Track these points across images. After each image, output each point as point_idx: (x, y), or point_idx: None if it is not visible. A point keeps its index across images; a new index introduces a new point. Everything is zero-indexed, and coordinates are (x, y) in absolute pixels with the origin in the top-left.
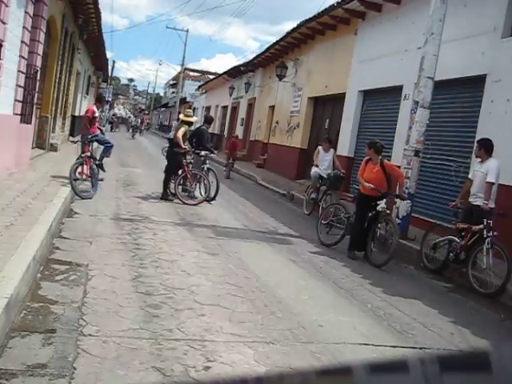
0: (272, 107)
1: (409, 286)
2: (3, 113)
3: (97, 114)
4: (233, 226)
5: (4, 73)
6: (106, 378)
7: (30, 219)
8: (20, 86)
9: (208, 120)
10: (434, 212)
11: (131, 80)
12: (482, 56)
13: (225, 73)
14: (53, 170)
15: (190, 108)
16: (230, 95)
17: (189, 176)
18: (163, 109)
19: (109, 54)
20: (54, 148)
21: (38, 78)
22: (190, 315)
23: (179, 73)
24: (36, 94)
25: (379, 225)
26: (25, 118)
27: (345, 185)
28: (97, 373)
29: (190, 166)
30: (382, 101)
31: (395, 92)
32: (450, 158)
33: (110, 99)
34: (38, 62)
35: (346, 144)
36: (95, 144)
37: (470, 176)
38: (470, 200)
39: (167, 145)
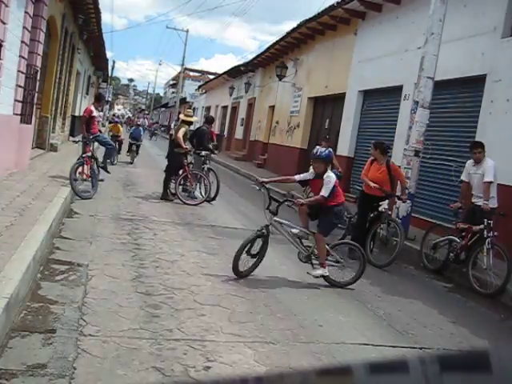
0: (272, 107)
1: (409, 286)
2: (3, 113)
3: (95, 114)
4: (233, 225)
5: (4, 73)
6: (105, 378)
7: (30, 219)
8: (20, 86)
9: (209, 120)
10: (434, 212)
11: (131, 80)
12: (481, 56)
13: (225, 73)
14: (53, 170)
15: (190, 108)
16: (230, 95)
17: (189, 176)
18: (163, 109)
19: (108, 54)
20: (53, 148)
21: (38, 78)
22: (190, 315)
23: (179, 73)
24: (36, 94)
25: (381, 225)
26: (25, 118)
27: (344, 185)
28: (97, 373)
29: (191, 166)
30: (382, 101)
31: (395, 92)
32: (450, 158)
33: (109, 99)
34: (38, 62)
35: (345, 144)
36: (95, 144)
37: (462, 177)
38: (473, 200)
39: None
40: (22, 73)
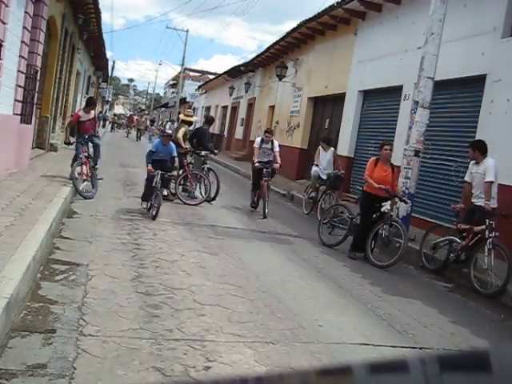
0: (272, 107)
1: (409, 286)
2: (3, 113)
3: (83, 119)
4: (233, 225)
5: (4, 73)
6: (105, 378)
7: (30, 219)
8: (20, 86)
9: (209, 120)
10: (434, 212)
11: (131, 80)
12: (481, 56)
13: (225, 73)
14: (53, 170)
15: (190, 108)
16: (230, 95)
17: (189, 176)
18: (163, 109)
19: (108, 54)
20: (53, 148)
21: (38, 78)
22: (190, 315)
23: (179, 73)
24: (36, 94)
25: (384, 226)
26: (25, 118)
27: (345, 185)
28: (97, 373)
29: (191, 166)
30: (381, 101)
31: (395, 92)
32: (450, 158)
33: (109, 99)
34: (38, 62)
35: (346, 144)
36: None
37: (466, 178)
38: (473, 200)
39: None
40: (22, 73)
